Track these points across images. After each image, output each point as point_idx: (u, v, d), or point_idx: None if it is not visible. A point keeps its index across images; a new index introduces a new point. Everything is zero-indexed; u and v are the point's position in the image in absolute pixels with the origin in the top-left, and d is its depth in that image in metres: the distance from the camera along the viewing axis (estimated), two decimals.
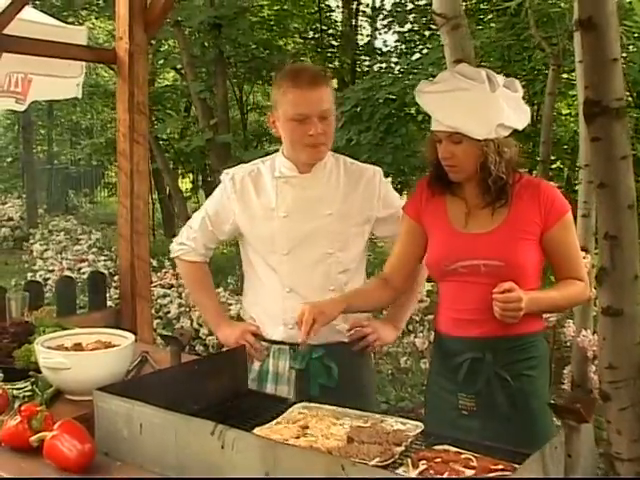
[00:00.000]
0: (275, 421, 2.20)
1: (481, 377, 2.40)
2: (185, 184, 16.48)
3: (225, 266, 9.24)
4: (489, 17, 8.87)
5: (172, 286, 7.87)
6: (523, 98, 2.53)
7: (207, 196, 10.39)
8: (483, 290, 2.32)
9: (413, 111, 8.42)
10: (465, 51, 4.59)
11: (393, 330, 2.79)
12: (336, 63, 11.22)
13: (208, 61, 9.55)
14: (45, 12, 5.75)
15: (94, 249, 10.80)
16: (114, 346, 2.44)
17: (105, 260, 9.63)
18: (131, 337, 2.44)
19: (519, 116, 2.41)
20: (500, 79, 2.41)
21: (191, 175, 18.01)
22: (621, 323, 3.94)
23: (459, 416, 2.45)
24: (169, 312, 7.13)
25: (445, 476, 1.81)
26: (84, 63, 4.46)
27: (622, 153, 3.84)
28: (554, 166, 9.18)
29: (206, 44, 9.50)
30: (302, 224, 2.63)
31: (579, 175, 5.29)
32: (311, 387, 2.58)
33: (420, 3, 10.34)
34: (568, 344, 5.04)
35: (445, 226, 2.49)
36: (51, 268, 9.36)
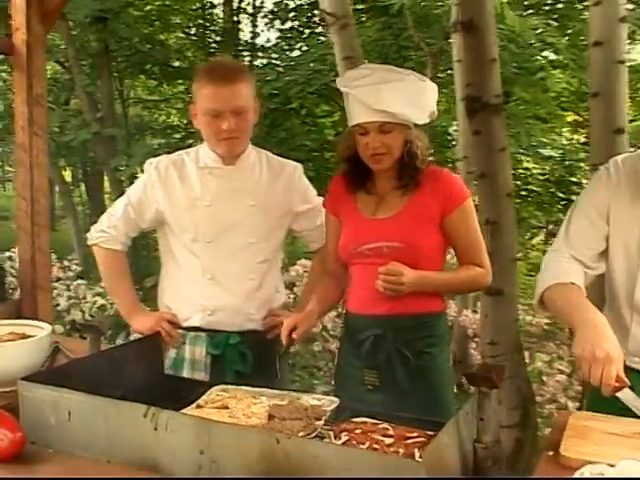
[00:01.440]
0: (196, 404, 2.20)
1: (382, 353, 2.47)
2: (65, 177, 15.92)
3: None
4: (368, 17, 9.02)
5: (59, 279, 7.63)
6: None
7: (88, 189, 10.10)
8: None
9: (296, 106, 8.50)
10: (353, 49, 4.74)
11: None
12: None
13: (93, 54, 9.30)
14: None
15: None
16: (29, 337, 2.37)
17: None
18: (48, 327, 2.38)
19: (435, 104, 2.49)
20: (416, 73, 2.50)
21: (71, 169, 17.41)
22: (501, 302, 4.19)
23: (365, 391, 2.51)
24: (58, 304, 6.91)
25: (366, 445, 1.88)
26: None
27: (500, 145, 4.08)
28: (431, 159, 9.47)
29: (91, 37, 9.24)
30: (225, 214, 2.62)
31: (457, 166, 5.53)
32: (226, 373, 2.59)
33: (301, 2, 10.46)
34: (450, 323, 5.26)
35: (355, 215, 2.56)
36: None
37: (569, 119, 11.50)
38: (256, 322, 2.68)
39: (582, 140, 11.12)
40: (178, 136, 11.09)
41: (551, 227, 11.86)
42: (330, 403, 2.19)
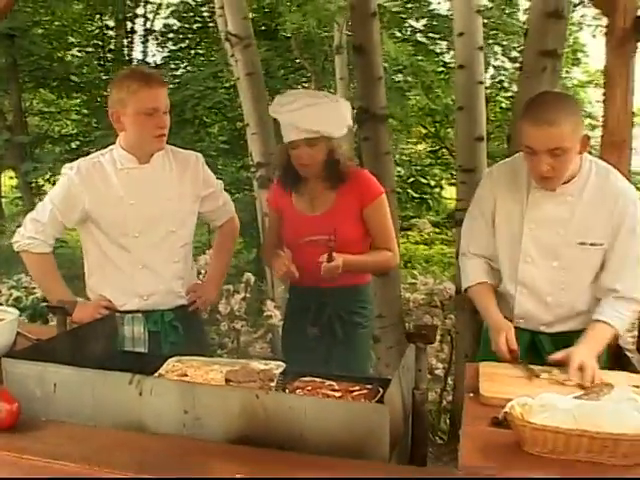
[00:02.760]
0: (157, 373, 2.16)
1: (325, 313, 2.74)
2: None
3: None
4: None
5: None
6: None
7: None
8: (320, 255, 2.59)
9: (190, 117, 8.40)
10: (255, 66, 4.76)
11: (213, 289, 2.84)
12: (113, 74, 10.84)
13: (1, 68, 8.77)
14: None
15: None
16: None
17: None
18: (15, 312, 2.25)
19: (350, 118, 2.72)
20: (331, 95, 2.81)
21: None
22: (387, 281, 4.32)
23: (309, 340, 2.75)
24: None
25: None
26: None
27: (385, 150, 4.23)
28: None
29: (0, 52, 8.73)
30: (148, 208, 2.57)
31: None
32: (163, 345, 2.61)
33: (188, 25, 10.36)
34: None
35: (293, 212, 2.78)
36: None
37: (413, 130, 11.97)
38: (183, 298, 2.69)
39: (428, 149, 11.66)
40: (74, 145, 10.67)
41: (400, 222, 12.35)
42: (277, 367, 2.20)
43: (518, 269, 2.32)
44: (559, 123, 2.06)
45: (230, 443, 1.66)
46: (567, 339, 2.26)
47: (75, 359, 2.01)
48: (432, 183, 10.75)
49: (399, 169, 10.62)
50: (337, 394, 1.96)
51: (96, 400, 1.78)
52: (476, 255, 2.41)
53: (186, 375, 2.14)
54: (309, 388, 2.00)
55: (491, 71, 9.48)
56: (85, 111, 11.47)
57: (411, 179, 10.37)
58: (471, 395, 1.92)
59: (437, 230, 11.93)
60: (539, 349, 2.30)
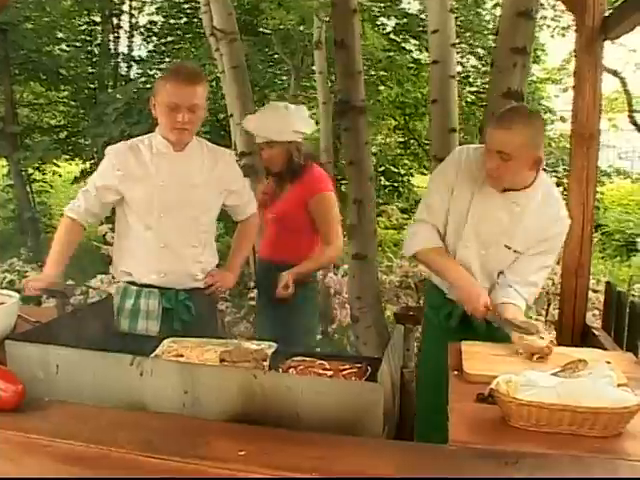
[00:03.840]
0: (154, 354, 2.10)
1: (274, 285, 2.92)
2: None
3: (14, 240, 8.38)
4: None
5: None
6: None
7: None
8: (276, 233, 3.03)
9: None
10: (239, 59, 4.66)
11: (231, 276, 2.78)
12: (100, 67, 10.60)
13: None
14: None
15: None
16: None
17: None
18: (15, 295, 2.17)
19: (306, 124, 2.99)
20: (292, 106, 3.02)
21: None
22: (365, 265, 4.29)
23: (264, 308, 3.10)
24: None
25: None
26: None
27: (365, 139, 4.19)
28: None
29: None
30: (176, 191, 2.53)
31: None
32: (174, 322, 2.56)
33: (171, 22, 10.14)
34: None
35: (270, 194, 3.11)
36: None
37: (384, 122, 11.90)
38: (199, 282, 2.64)
39: (398, 140, 11.62)
40: (63, 135, 10.43)
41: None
42: (269, 347, 2.16)
43: (457, 253, 2.40)
44: (513, 131, 2.15)
45: (228, 421, 1.62)
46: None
47: (75, 341, 1.94)
48: (402, 172, 10.76)
49: (372, 158, 10.58)
50: (328, 373, 1.93)
51: (98, 381, 1.72)
52: (434, 227, 2.42)
53: (182, 356, 2.08)
54: (301, 367, 1.96)
55: (458, 67, 9.47)
56: (73, 103, 11.28)
57: (382, 167, 10.37)
58: (455, 373, 1.90)
59: (405, 216, 11.94)
60: (470, 319, 2.34)
